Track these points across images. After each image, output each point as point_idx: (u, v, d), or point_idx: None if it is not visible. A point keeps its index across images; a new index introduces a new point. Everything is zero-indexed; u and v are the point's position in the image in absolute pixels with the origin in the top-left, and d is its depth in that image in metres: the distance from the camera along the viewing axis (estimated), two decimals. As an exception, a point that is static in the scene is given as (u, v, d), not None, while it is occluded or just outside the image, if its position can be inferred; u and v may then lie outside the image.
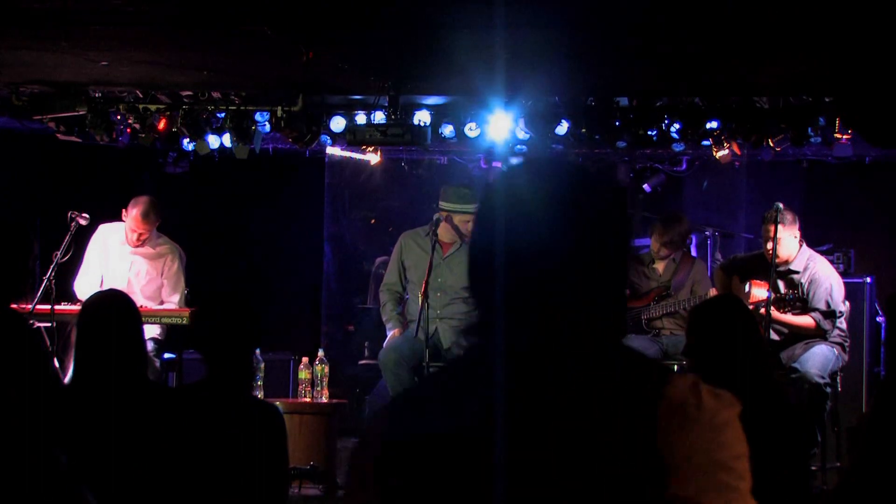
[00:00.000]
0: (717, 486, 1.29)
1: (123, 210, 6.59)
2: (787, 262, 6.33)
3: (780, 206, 6.20)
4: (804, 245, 6.44)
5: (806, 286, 6.32)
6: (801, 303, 6.30)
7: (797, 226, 6.33)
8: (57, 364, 5.68)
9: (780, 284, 6.36)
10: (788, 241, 6.27)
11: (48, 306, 5.91)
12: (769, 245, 6.21)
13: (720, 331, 3.45)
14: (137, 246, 6.59)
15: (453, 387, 1.41)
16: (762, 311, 6.09)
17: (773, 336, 6.31)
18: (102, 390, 3.36)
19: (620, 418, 1.29)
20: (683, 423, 1.30)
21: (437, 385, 1.49)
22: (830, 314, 6.25)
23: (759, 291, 6.24)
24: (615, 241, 1.40)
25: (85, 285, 6.50)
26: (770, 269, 6.20)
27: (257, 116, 7.18)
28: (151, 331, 6.35)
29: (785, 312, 6.29)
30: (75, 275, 6.65)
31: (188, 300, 6.62)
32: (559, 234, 1.36)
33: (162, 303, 6.62)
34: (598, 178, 1.43)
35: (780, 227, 6.17)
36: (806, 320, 6.28)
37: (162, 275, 6.65)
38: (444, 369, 1.68)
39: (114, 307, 3.55)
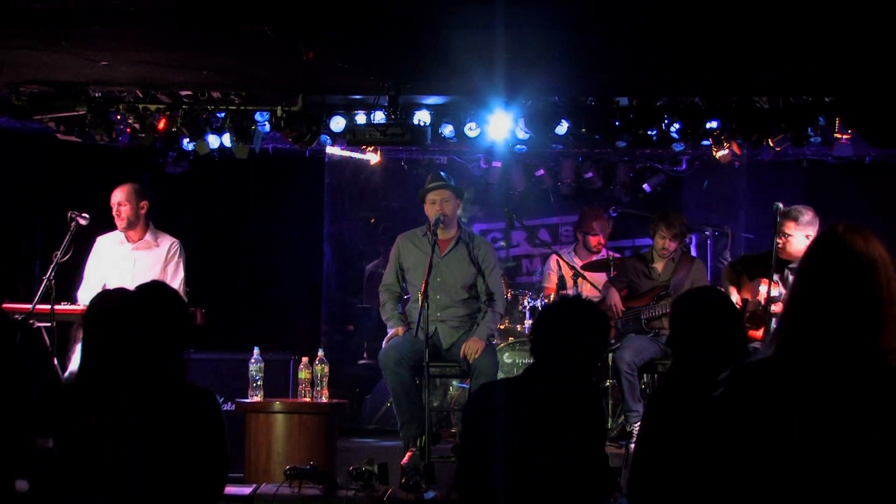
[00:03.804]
0: None
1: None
2: (796, 260, 6.33)
3: (780, 205, 6.20)
4: (814, 243, 6.44)
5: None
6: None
7: (814, 228, 6.25)
8: (57, 363, 5.69)
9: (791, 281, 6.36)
10: (799, 240, 6.26)
11: (48, 306, 5.90)
12: (779, 240, 6.22)
13: (701, 321, 3.45)
14: (125, 229, 6.65)
15: None
16: (771, 307, 6.10)
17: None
18: (108, 388, 3.37)
19: None
20: None
21: None
22: None
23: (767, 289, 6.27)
24: None
25: (87, 297, 6.50)
26: (780, 266, 6.24)
27: (257, 116, 7.18)
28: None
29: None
30: (77, 286, 6.66)
31: (188, 297, 6.62)
32: None
33: None
34: None
35: (794, 224, 6.22)
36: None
37: (165, 267, 6.68)
38: None
39: (119, 305, 3.55)
